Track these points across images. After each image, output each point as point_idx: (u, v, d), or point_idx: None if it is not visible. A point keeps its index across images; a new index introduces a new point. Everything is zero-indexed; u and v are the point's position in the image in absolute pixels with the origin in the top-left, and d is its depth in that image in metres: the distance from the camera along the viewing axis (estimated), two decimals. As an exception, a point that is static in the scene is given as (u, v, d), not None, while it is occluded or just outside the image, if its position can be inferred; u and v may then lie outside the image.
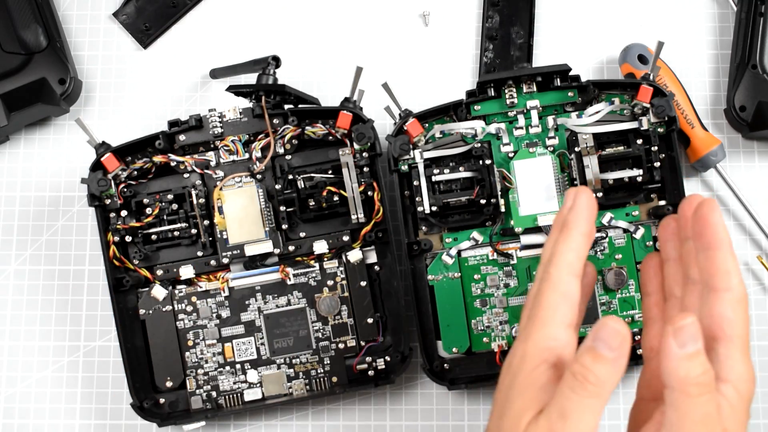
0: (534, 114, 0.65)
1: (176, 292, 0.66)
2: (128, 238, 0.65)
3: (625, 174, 0.63)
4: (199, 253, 0.66)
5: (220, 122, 0.65)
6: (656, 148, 0.63)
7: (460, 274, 0.65)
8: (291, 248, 0.65)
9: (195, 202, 0.65)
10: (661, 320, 0.51)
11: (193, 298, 0.66)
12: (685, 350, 0.41)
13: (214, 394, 0.65)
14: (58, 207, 0.71)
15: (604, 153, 0.63)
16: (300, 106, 0.66)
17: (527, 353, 0.45)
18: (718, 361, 0.43)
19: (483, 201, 0.64)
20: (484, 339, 0.65)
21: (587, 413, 0.42)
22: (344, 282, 0.65)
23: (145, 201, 0.65)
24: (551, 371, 0.44)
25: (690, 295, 0.47)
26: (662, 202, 0.65)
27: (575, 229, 0.46)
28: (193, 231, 0.65)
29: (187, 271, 0.65)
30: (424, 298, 0.65)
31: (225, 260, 0.65)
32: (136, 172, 0.65)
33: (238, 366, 0.65)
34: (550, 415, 0.42)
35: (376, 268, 0.65)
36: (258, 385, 0.65)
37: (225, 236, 0.65)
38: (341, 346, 0.65)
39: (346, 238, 0.65)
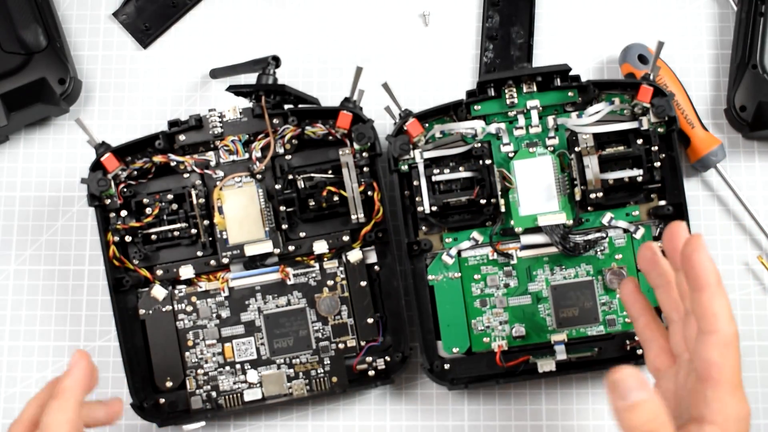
0: (534, 114, 0.65)
1: (176, 292, 0.66)
2: (128, 238, 0.65)
3: (625, 174, 0.63)
4: (199, 253, 0.66)
5: (220, 122, 0.65)
6: (656, 148, 0.63)
7: (460, 274, 0.65)
8: (291, 248, 0.65)
9: (195, 202, 0.65)
10: (656, 340, 0.52)
11: (193, 298, 0.66)
12: (625, 402, 0.42)
13: (214, 394, 0.65)
14: (58, 207, 0.71)
15: (604, 153, 0.63)
16: (300, 106, 0.66)
17: None
18: (705, 404, 0.44)
19: (483, 201, 0.64)
20: (484, 339, 0.65)
21: None
22: (344, 282, 0.65)
23: (145, 201, 0.65)
24: None
25: (689, 328, 0.48)
26: (662, 202, 0.65)
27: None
28: (193, 231, 0.65)
29: (187, 271, 0.65)
30: (424, 298, 0.65)
31: (225, 260, 0.65)
32: (136, 172, 0.65)
33: (238, 366, 0.65)
34: None
35: (376, 268, 0.65)
36: (258, 385, 0.65)
37: (225, 236, 0.65)
38: (341, 346, 0.65)
39: (346, 238, 0.65)
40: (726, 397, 0.44)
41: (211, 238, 0.65)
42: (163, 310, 0.65)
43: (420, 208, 0.64)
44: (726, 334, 0.44)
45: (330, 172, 0.65)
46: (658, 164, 0.63)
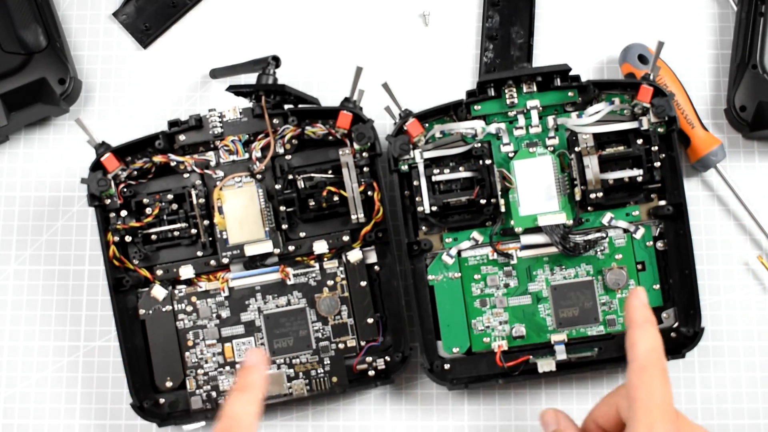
0: (534, 114, 0.65)
1: (176, 292, 0.66)
2: (128, 238, 0.65)
3: (625, 174, 0.63)
4: (199, 253, 0.66)
5: (220, 122, 0.65)
6: (656, 148, 0.63)
7: (460, 274, 0.65)
8: (291, 248, 0.65)
9: (195, 202, 0.65)
10: None
11: (193, 298, 0.66)
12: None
13: (214, 394, 0.65)
14: (58, 207, 0.71)
15: (604, 153, 0.63)
16: (300, 106, 0.66)
17: None
18: (630, 425, 0.46)
19: (483, 201, 0.64)
20: (484, 339, 0.65)
21: None
22: (344, 282, 0.65)
23: (145, 201, 0.65)
24: None
25: None
26: (662, 202, 0.65)
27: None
28: (193, 231, 0.65)
29: (187, 271, 0.65)
30: (424, 298, 0.65)
31: (225, 260, 0.65)
32: (136, 172, 0.65)
33: (238, 366, 0.65)
34: None
35: (376, 268, 0.65)
36: (258, 385, 0.65)
37: (225, 236, 0.65)
38: (341, 346, 0.65)
39: (346, 238, 0.65)
40: (641, 416, 0.45)
41: (211, 238, 0.65)
42: (163, 310, 0.65)
43: (420, 208, 0.64)
44: (641, 360, 0.47)
45: (330, 172, 0.65)
46: (658, 164, 0.63)
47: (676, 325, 0.65)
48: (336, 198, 0.64)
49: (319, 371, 0.65)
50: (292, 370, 0.65)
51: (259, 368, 0.49)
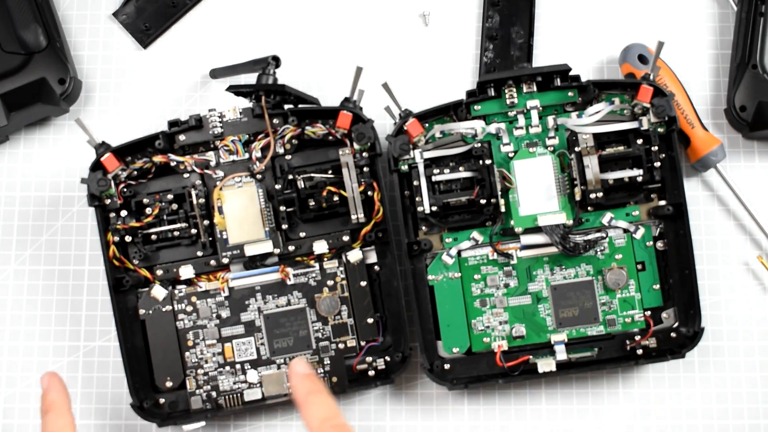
0: (534, 114, 0.65)
1: (176, 292, 0.66)
2: (128, 238, 0.65)
3: (625, 174, 0.63)
4: (199, 253, 0.66)
5: (220, 122, 0.65)
6: (656, 148, 0.63)
7: (460, 274, 0.65)
8: (291, 248, 0.65)
9: (195, 202, 0.65)
10: None
11: (193, 298, 0.66)
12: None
13: (214, 394, 0.65)
14: (58, 207, 0.71)
15: (604, 153, 0.63)
16: (300, 106, 0.66)
17: None
18: None
19: (483, 201, 0.64)
20: (484, 339, 0.65)
21: None
22: (344, 282, 0.65)
23: (145, 201, 0.65)
24: None
25: None
26: (662, 202, 0.65)
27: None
28: (193, 231, 0.65)
29: (187, 271, 0.65)
30: (424, 298, 0.65)
31: (225, 260, 0.65)
32: (136, 172, 0.65)
33: (238, 366, 0.65)
34: None
35: (376, 268, 0.65)
36: (258, 385, 0.65)
37: (225, 236, 0.65)
38: (341, 346, 0.65)
39: (346, 238, 0.65)
40: None
41: (211, 238, 0.65)
42: (163, 310, 0.65)
43: (420, 208, 0.64)
44: None
45: (330, 172, 0.65)
46: (658, 164, 0.63)
47: (676, 325, 0.65)
48: (336, 198, 0.64)
49: (319, 371, 0.65)
50: (292, 370, 0.65)
51: (54, 388, 0.52)
